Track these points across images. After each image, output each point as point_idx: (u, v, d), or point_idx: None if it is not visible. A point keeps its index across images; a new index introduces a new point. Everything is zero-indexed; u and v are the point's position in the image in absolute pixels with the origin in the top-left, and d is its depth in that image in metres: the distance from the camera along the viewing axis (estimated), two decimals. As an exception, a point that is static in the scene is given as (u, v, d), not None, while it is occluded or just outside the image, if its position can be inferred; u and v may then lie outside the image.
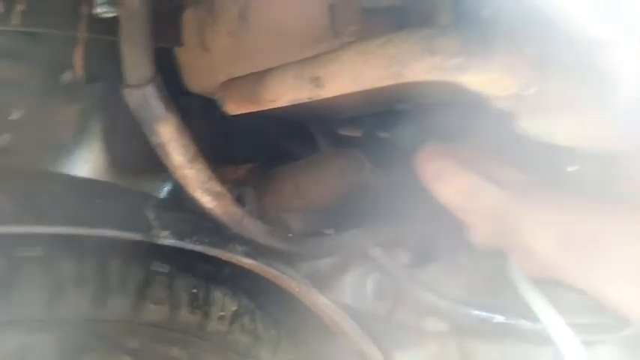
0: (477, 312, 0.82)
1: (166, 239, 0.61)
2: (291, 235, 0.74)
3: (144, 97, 0.58)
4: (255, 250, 0.68)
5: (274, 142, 1.03)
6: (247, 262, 0.66)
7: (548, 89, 0.53)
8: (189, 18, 0.80)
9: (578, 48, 0.44)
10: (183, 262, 0.70)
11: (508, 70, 0.52)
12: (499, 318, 0.81)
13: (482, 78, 0.53)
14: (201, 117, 0.92)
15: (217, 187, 0.65)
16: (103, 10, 0.60)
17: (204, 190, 0.64)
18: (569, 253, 0.57)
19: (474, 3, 0.53)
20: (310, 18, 0.68)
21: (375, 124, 0.92)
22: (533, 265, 0.63)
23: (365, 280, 0.84)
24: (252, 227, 0.69)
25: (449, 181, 0.67)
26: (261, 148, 1.01)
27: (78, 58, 0.77)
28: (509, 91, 0.54)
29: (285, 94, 0.63)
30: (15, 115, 0.81)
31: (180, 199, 0.73)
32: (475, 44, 0.52)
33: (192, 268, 0.71)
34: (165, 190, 0.95)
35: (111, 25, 0.59)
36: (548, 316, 0.67)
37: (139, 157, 0.79)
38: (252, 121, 0.77)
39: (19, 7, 0.67)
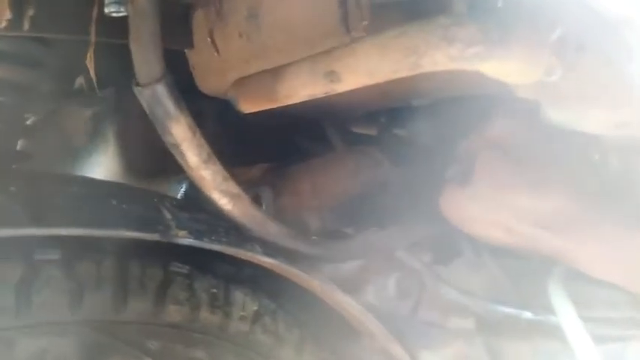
0: (504, 308, 0.80)
1: (185, 239, 0.60)
2: (315, 238, 0.73)
3: (154, 95, 0.58)
4: (275, 248, 0.67)
5: (288, 141, 1.02)
6: (267, 261, 0.65)
7: (578, 73, 0.51)
8: (199, 20, 0.79)
9: (607, 28, 0.43)
10: (203, 262, 0.69)
11: (529, 57, 0.51)
12: (527, 314, 0.79)
13: (503, 66, 0.52)
14: (215, 118, 0.91)
15: (234, 188, 0.64)
16: (111, 10, 0.59)
17: (221, 191, 0.63)
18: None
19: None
20: (321, 14, 0.67)
21: (390, 122, 0.91)
22: None
23: (387, 279, 0.83)
24: (274, 230, 0.68)
25: (479, 225, 0.71)
26: (275, 148, 1.00)
27: (90, 63, 0.76)
28: (532, 78, 0.53)
29: (301, 89, 0.62)
30: (30, 121, 0.81)
31: (196, 199, 0.72)
32: (494, 32, 0.50)
33: (211, 268, 0.70)
34: (180, 191, 0.95)
35: (122, 28, 0.59)
36: (568, 317, 0.67)
37: (152, 159, 0.79)
38: (266, 121, 0.77)
39: (29, 13, 0.67)
